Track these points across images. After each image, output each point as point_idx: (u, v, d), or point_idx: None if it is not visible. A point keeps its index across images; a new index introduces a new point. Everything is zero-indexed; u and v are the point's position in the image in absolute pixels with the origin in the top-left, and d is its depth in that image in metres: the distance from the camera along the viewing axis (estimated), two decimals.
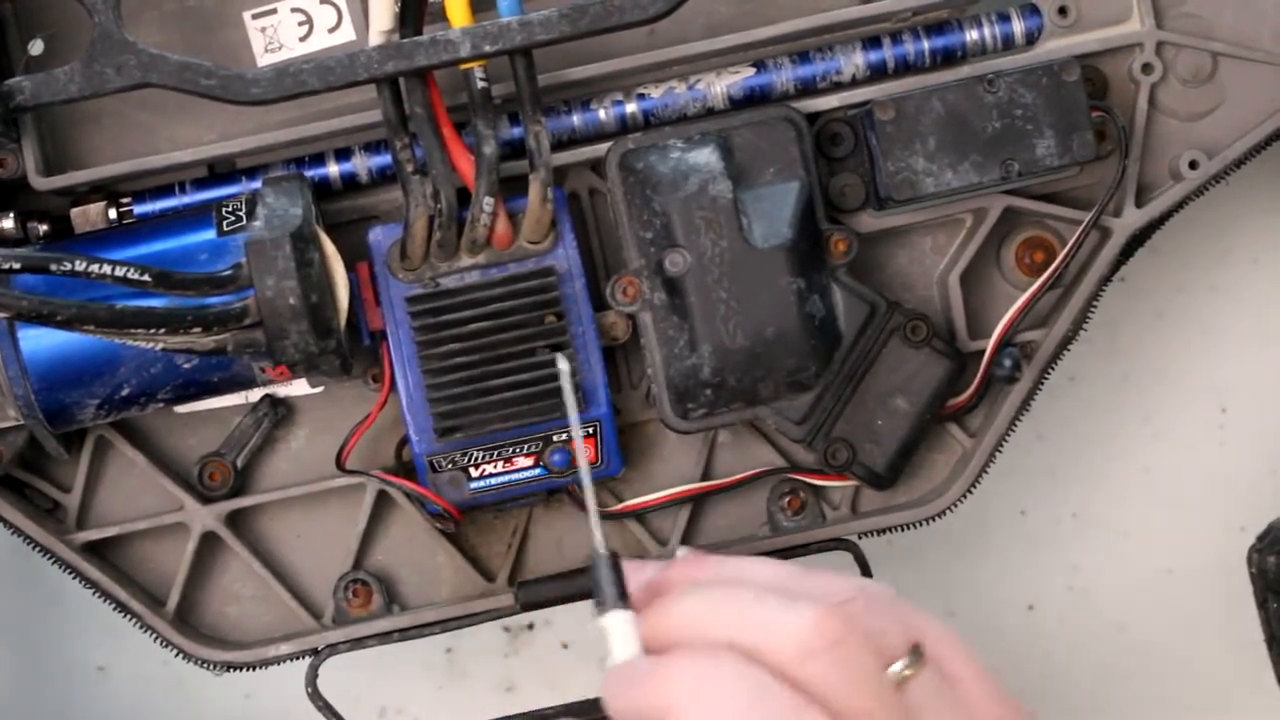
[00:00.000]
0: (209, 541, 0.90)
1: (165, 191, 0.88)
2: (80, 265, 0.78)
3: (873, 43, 0.88)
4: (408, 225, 0.84)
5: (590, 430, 0.87)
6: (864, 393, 0.87)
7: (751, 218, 0.85)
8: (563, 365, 0.80)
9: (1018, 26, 0.88)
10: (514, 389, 0.85)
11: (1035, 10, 0.88)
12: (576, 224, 0.88)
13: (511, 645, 1.05)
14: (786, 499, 0.90)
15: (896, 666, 0.70)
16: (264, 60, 0.88)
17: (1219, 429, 1.05)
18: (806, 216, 0.86)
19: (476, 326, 0.85)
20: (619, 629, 0.73)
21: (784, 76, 0.88)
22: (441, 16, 0.83)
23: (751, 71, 0.88)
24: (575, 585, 0.88)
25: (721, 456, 0.91)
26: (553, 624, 1.05)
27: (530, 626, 1.05)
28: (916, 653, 0.71)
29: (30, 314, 0.77)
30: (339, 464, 0.88)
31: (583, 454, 0.77)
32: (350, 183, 0.88)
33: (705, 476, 0.90)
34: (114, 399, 0.84)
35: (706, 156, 0.85)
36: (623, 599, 0.73)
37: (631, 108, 0.88)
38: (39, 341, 0.83)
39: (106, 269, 0.78)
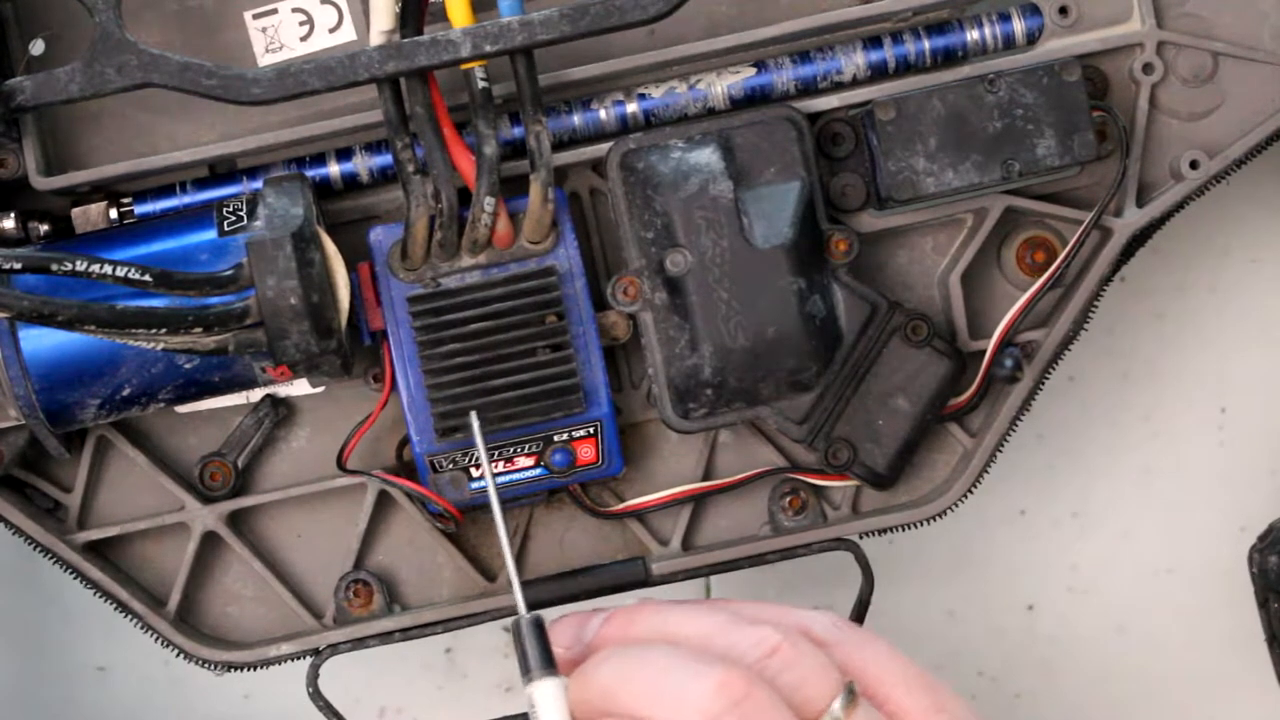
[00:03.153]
0: (210, 541, 0.90)
1: (166, 191, 0.88)
2: (81, 265, 0.78)
3: (873, 42, 0.88)
4: (409, 225, 0.84)
5: (591, 430, 0.87)
6: (865, 393, 0.87)
7: (752, 217, 0.85)
8: (474, 422, 0.80)
9: (1018, 26, 0.88)
10: (515, 389, 0.85)
11: (1036, 10, 0.88)
12: (577, 224, 0.88)
13: (511, 645, 1.04)
14: (787, 499, 0.90)
15: (835, 708, 0.70)
16: (265, 60, 0.88)
17: (1219, 429, 1.05)
18: (807, 216, 0.86)
19: (477, 326, 0.85)
20: (546, 699, 0.73)
21: (785, 76, 0.88)
22: (442, 16, 0.83)
23: (752, 71, 0.88)
24: (576, 585, 0.89)
25: (722, 456, 0.91)
26: None
27: None
28: (849, 693, 0.71)
29: (31, 314, 0.77)
30: (340, 464, 0.88)
31: (499, 514, 0.76)
32: (351, 183, 0.88)
33: (706, 476, 0.90)
34: (115, 399, 0.84)
35: (707, 156, 0.85)
36: (549, 666, 0.73)
37: (632, 108, 0.88)
38: (40, 341, 0.83)
39: (107, 269, 0.78)
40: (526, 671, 0.74)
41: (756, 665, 0.71)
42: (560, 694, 0.73)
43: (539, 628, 0.74)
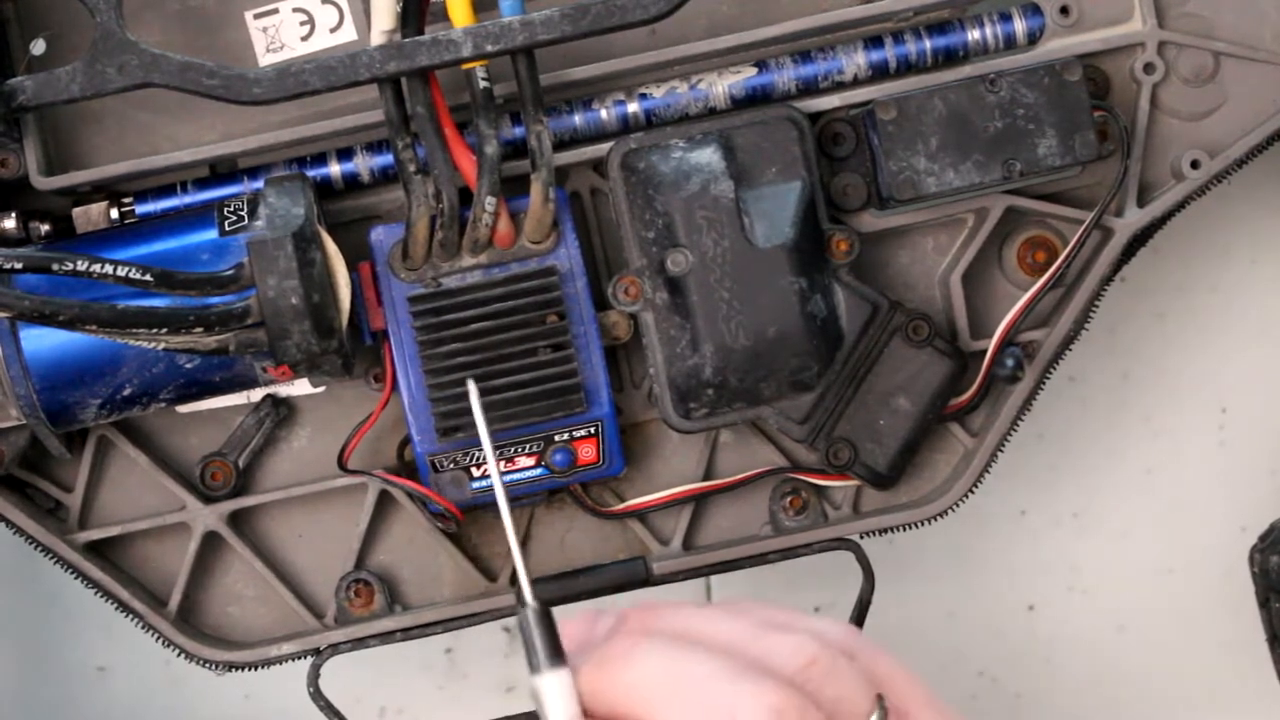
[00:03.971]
0: (211, 541, 0.90)
1: (167, 191, 0.88)
2: (82, 265, 0.78)
3: (874, 42, 0.88)
4: (410, 225, 0.84)
5: (592, 430, 0.87)
6: (866, 392, 0.87)
7: (753, 217, 0.85)
8: (471, 389, 0.76)
9: (1019, 26, 0.88)
10: (516, 389, 0.85)
11: (1037, 10, 0.88)
12: (578, 224, 0.88)
13: (511, 645, 1.04)
14: (788, 499, 0.90)
15: None
16: (266, 60, 0.88)
17: (1219, 429, 1.05)
18: (808, 216, 0.86)
19: (478, 326, 0.85)
20: (555, 692, 0.65)
21: (786, 76, 0.88)
22: (443, 16, 0.83)
23: (753, 71, 0.88)
24: (577, 585, 0.89)
25: (723, 456, 0.91)
26: None
27: None
28: (882, 709, 0.68)
29: (32, 314, 0.77)
30: (341, 464, 0.88)
31: (502, 495, 0.68)
32: (352, 182, 0.88)
33: (707, 476, 0.90)
34: (116, 399, 0.84)
35: (708, 156, 0.85)
36: (558, 656, 0.66)
37: (633, 107, 0.88)
38: (41, 341, 0.83)
39: (108, 269, 0.78)
40: (534, 664, 0.66)
41: (797, 676, 0.67)
42: (570, 687, 0.65)
43: (547, 618, 0.69)
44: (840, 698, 0.65)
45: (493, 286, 0.85)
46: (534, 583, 0.83)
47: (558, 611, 0.68)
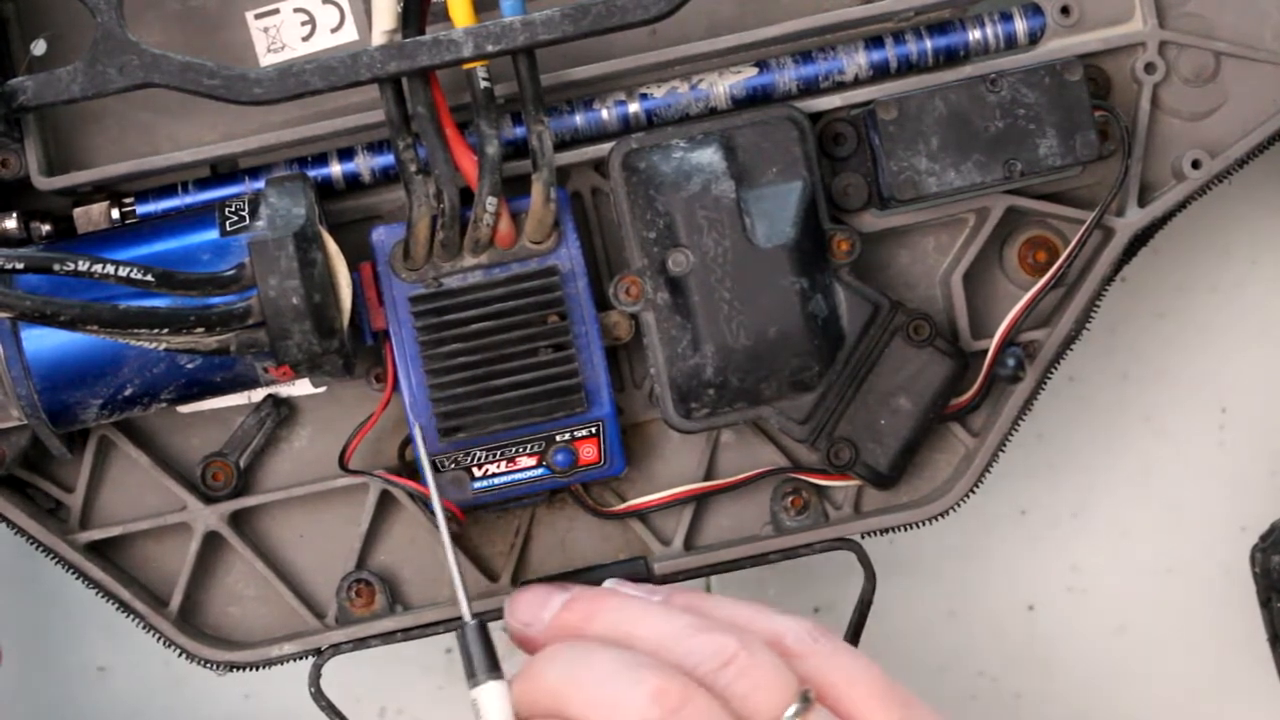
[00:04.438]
0: (212, 541, 0.90)
1: (168, 191, 0.88)
2: (83, 265, 0.78)
3: (875, 42, 0.88)
4: (411, 225, 0.84)
5: (593, 430, 0.87)
6: (867, 392, 0.87)
7: (754, 217, 0.85)
8: (417, 436, 0.81)
9: (1020, 26, 0.88)
10: (517, 389, 0.85)
11: (1038, 10, 0.88)
12: (579, 224, 0.88)
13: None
14: (789, 499, 0.90)
15: (787, 715, 0.71)
16: (267, 60, 0.88)
17: (1219, 429, 1.05)
18: (809, 216, 0.86)
19: (479, 326, 0.85)
20: (490, 702, 0.75)
21: (786, 76, 0.88)
22: (444, 16, 0.83)
23: (754, 71, 0.88)
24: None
25: (724, 456, 0.91)
26: None
27: None
28: (804, 701, 0.71)
29: (33, 314, 0.77)
30: (342, 464, 0.88)
31: (444, 524, 0.78)
32: (353, 182, 0.88)
33: (708, 476, 0.90)
34: (117, 399, 0.84)
35: (709, 156, 0.85)
36: (494, 670, 0.76)
37: (634, 107, 0.88)
38: (42, 341, 0.83)
39: (109, 269, 0.78)
40: (472, 675, 0.75)
41: (709, 675, 0.72)
42: (504, 696, 0.75)
43: (483, 634, 0.75)
44: (752, 691, 0.72)
45: (494, 286, 0.85)
46: (534, 582, 0.85)
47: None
